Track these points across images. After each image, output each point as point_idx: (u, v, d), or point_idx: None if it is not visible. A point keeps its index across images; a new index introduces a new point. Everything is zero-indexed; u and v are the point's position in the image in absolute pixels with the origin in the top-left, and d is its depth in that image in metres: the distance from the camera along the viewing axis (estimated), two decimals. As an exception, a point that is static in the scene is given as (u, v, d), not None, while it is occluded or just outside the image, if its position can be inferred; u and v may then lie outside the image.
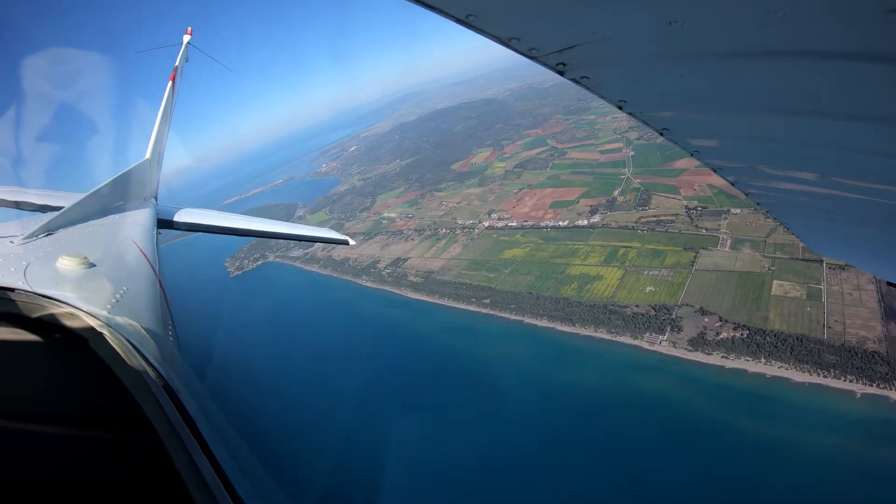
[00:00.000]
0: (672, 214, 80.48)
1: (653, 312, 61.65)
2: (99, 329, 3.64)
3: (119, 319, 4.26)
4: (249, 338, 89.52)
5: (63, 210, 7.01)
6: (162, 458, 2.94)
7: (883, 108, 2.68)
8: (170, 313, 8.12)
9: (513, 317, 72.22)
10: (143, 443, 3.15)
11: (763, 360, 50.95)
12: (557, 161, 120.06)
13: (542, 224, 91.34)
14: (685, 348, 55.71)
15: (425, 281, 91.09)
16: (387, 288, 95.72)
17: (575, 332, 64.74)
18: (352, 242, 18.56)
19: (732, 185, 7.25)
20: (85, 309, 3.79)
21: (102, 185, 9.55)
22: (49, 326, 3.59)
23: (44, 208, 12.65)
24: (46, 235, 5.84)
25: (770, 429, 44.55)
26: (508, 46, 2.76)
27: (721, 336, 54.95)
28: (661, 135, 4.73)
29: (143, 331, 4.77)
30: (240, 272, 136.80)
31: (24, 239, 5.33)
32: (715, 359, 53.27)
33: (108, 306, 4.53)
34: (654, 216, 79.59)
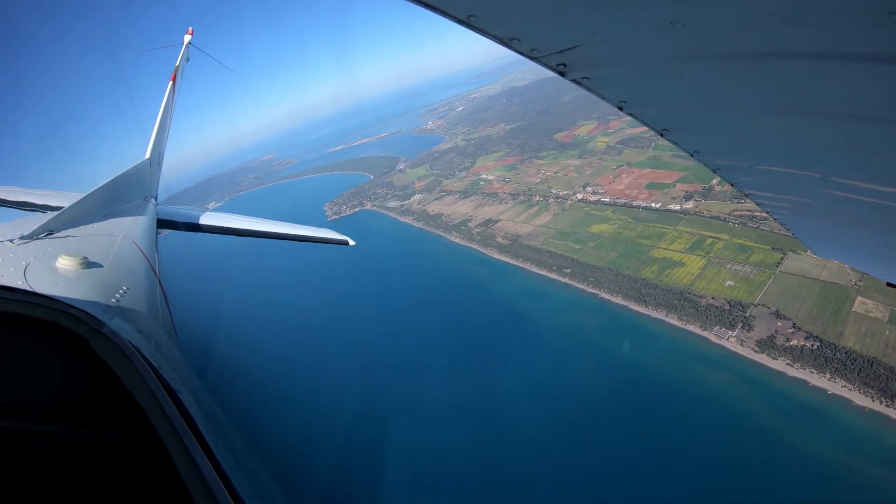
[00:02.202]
0: (767, 212, 75.09)
1: (727, 307, 59.81)
2: (99, 329, 3.75)
3: (119, 320, 4.44)
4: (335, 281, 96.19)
5: (62, 210, 7.05)
6: (162, 458, 2.99)
7: (883, 108, 2.71)
8: (169, 312, 8.43)
9: (589, 289, 72.13)
10: (143, 443, 3.16)
11: (828, 375, 48.29)
12: (661, 142, 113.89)
13: (635, 203, 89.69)
14: (752, 348, 53.98)
15: (512, 244, 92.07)
16: (474, 246, 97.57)
17: (646, 313, 64.10)
18: (351, 243, 19.22)
19: (732, 185, 7.37)
20: (85, 309, 3.90)
21: (102, 185, 9.56)
22: (49, 327, 3.66)
23: (43, 208, 12.86)
24: (46, 235, 5.95)
25: (816, 446, 42.74)
26: (509, 47, 2.80)
27: (791, 342, 52.59)
28: (662, 135, 4.84)
29: (143, 331, 4.93)
30: (337, 217, 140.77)
31: (24, 239, 5.42)
32: (779, 364, 51.31)
33: (108, 306, 4.76)
34: (749, 211, 76.04)
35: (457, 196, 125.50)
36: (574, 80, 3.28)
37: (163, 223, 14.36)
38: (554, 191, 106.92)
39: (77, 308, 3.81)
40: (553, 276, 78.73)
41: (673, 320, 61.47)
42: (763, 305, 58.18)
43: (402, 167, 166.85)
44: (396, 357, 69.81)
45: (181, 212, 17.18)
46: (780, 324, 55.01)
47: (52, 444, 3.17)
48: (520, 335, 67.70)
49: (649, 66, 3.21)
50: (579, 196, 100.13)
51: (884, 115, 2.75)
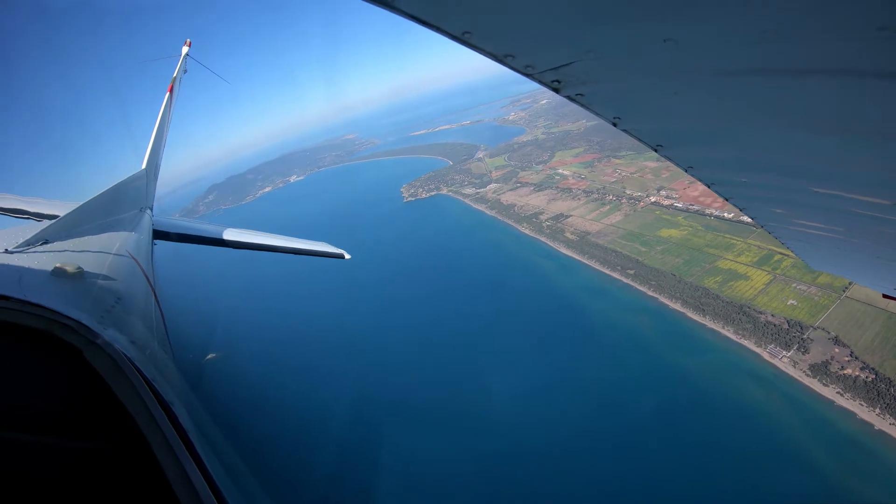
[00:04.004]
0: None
1: (786, 326, 58.14)
2: (93, 340, 3.77)
3: (113, 330, 4.49)
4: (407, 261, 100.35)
5: (58, 219, 7.00)
6: (154, 469, 3.00)
7: (874, 122, 2.71)
8: (164, 323, 8.36)
9: (650, 293, 71.99)
10: (135, 454, 3.14)
11: (878, 410, 46.01)
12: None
13: (707, 211, 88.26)
14: (804, 371, 52.41)
15: (579, 240, 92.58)
16: (542, 238, 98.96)
17: (702, 322, 63.23)
18: (346, 256, 18.89)
19: (727, 200, 7.37)
20: (80, 319, 3.92)
21: (98, 195, 9.40)
22: (43, 336, 3.68)
23: (36, 216, 12.85)
24: (42, 244, 5.88)
25: (852, 480, 41.43)
26: (503, 63, 2.82)
27: (845, 371, 50.37)
28: (656, 151, 4.79)
29: (136, 341, 4.94)
30: (412, 199, 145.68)
31: (19, 247, 5.37)
32: (829, 392, 50.01)
33: (103, 316, 4.75)
34: (823, 233, 72.59)
35: (531, 188, 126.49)
36: (568, 97, 3.35)
37: (158, 234, 14.31)
38: (628, 191, 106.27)
39: (71, 318, 3.85)
40: (616, 275, 78.90)
41: (728, 333, 60.58)
42: (823, 329, 56.43)
43: (480, 156, 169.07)
44: (441, 337, 72.87)
45: (177, 223, 17.11)
46: (837, 350, 53.15)
47: (43, 454, 3.15)
48: (574, 331, 68.33)
49: (643, 83, 3.26)
50: (652, 199, 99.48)
51: (875, 128, 2.79)
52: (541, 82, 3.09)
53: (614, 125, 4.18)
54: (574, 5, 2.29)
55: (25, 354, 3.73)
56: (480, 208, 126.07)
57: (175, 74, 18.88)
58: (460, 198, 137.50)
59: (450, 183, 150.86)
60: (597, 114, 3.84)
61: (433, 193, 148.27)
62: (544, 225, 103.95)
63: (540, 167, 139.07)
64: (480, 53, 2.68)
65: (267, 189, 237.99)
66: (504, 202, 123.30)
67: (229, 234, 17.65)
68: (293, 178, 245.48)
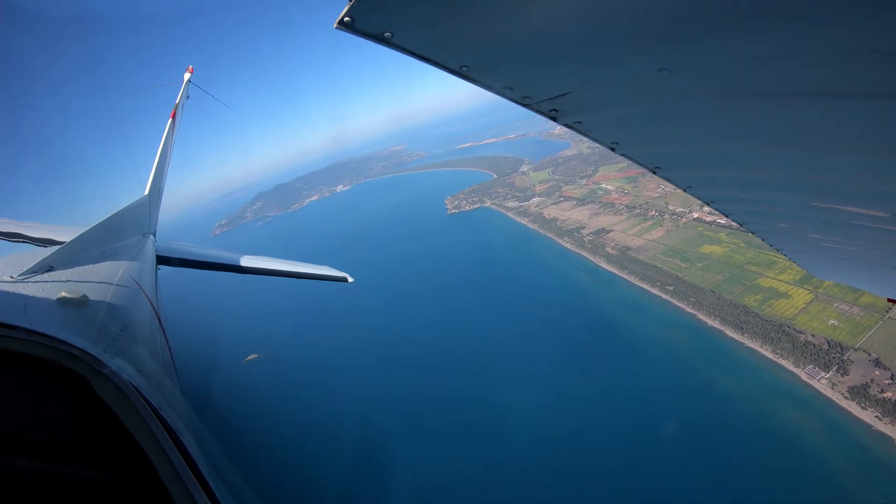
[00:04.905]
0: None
1: (825, 347, 56.59)
2: (100, 370, 3.75)
3: (120, 360, 4.47)
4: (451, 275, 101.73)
5: (62, 246, 6.92)
6: (164, 499, 3.00)
7: (870, 140, 2.75)
8: (169, 350, 8.35)
9: (688, 309, 71.24)
10: (144, 484, 3.15)
11: None
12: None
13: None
14: (842, 393, 51.33)
15: (620, 255, 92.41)
16: (583, 253, 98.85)
17: (741, 341, 62.36)
18: (350, 280, 18.37)
19: (727, 216, 7.51)
20: (86, 349, 3.88)
21: (102, 221, 9.33)
22: (51, 366, 3.64)
23: (42, 242, 12.72)
24: (46, 272, 5.83)
25: None
26: (502, 95, 2.93)
27: (885, 395, 48.76)
28: (654, 172, 4.97)
29: (143, 370, 5.01)
30: (456, 211, 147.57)
31: (23, 275, 5.37)
32: (867, 416, 48.43)
33: (109, 345, 4.77)
34: (870, 252, 70.17)
35: (574, 202, 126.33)
36: (566, 125, 3.38)
37: (162, 259, 14.27)
38: (671, 207, 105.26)
39: (78, 348, 3.82)
40: (655, 290, 78.60)
41: (766, 352, 59.55)
42: (864, 351, 54.82)
43: (525, 169, 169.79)
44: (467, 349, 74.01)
45: (180, 248, 17.14)
46: (877, 372, 51.63)
47: (51, 485, 3.14)
48: (609, 344, 68.57)
49: (639, 110, 3.26)
50: (695, 215, 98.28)
51: (869, 145, 2.82)
52: (539, 112, 3.23)
53: (612, 150, 4.34)
54: (569, 40, 2.36)
55: (32, 384, 3.71)
56: (523, 222, 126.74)
57: (178, 101, 18.87)
58: (503, 211, 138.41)
59: (493, 196, 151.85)
60: (595, 140, 3.98)
61: (477, 206, 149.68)
62: (585, 239, 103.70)
63: (583, 181, 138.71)
64: (479, 86, 2.83)
65: (314, 198, 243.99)
66: (546, 216, 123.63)
67: (232, 260, 17.68)
68: (339, 188, 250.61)
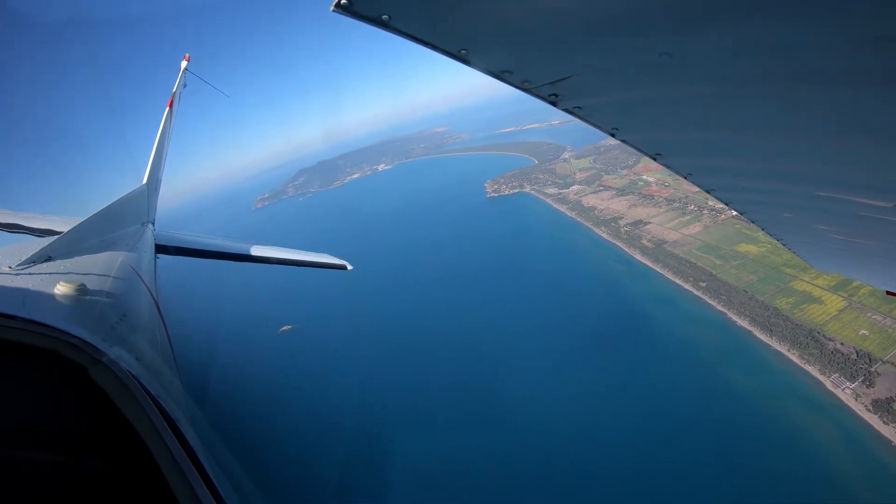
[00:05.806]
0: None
1: (854, 356, 55.28)
2: (98, 358, 3.74)
3: (118, 348, 4.44)
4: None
5: (60, 236, 6.84)
6: (162, 488, 2.98)
7: (874, 128, 2.69)
8: (168, 338, 8.39)
9: (719, 307, 70.53)
10: (142, 473, 3.12)
11: None
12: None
13: None
14: (865, 405, 49.76)
15: (655, 248, 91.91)
16: (618, 243, 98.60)
17: (767, 343, 61.63)
18: (349, 267, 18.25)
19: (727, 205, 7.49)
20: (85, 338, 3.89)
21: (100, 210, 9.22)
22: (49, 355, 3.64)
23: (39, 232, 12.62)
24: (44, 262, 5.79)
25: None
26: (501, 79, 2.88)
27: None
28: (655, 160, 4.96)
29: (141, 359, 4.99)
30: (495, 195, 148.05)
31: (22, 265, 5.34)
32: (889, 430, 47.08)
33: (107, 334, 4.79)
34: (910, 262, 67.92)
35: (614, 192, 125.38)
36: (566, 110, 3.33)
37: (161, 248, 14.13)
38: (710, 202, 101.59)
39: (76, 336, 3.82)
40: (687, 286, 78.01)
41: (793, 356, 58.62)
42: (892, 364, 53.37)
43: (566, 156, 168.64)
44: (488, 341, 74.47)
45: (179, 237, 17.03)
46: None
47: (49, 474, 3.10)
48: (635, 336, 68.71)
49: (640, 95, 3.22)
50: (734, 212, 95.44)
51: (873, 134, 2.75)
52: (538, 96, 3.15)
53: (612, 136, 4.31)
54: (570, 23, 2.32)
55: (31, 374, 3.72)
56: (561, 209, 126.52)
57: (175, 89, 18.65)
58: (542, 197, 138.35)
59: (533, 182, 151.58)
60: (595, 125, 3.92)
61: (516, 191, 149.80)
62: (622, 230, 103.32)
63: (624, 172, 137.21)
64: (478, 70, 2.76)
65: (355, 175, 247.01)
66: (585, 204, 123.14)
67: (231, 248, 17.62)
68: (381, 167, 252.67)
